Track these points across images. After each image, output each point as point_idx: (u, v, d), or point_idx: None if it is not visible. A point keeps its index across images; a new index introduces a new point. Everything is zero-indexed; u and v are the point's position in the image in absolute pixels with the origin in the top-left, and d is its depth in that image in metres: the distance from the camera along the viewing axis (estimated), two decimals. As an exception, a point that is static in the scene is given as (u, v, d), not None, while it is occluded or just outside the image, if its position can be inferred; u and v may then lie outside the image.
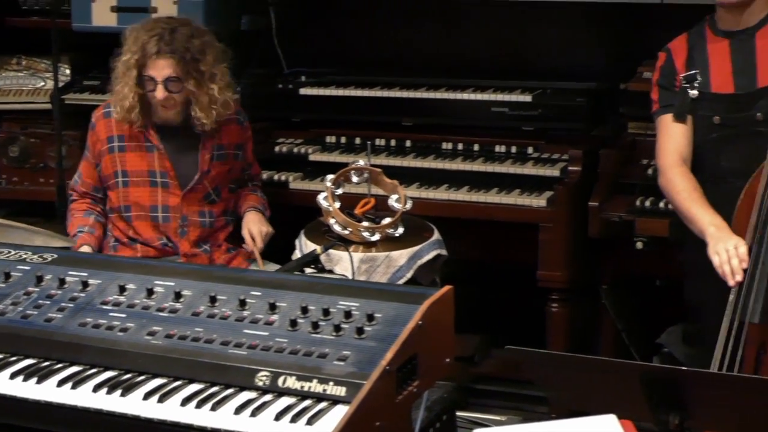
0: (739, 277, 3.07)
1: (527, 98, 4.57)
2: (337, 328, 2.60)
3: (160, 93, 3.97)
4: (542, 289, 4.39)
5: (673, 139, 3.48)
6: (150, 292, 2.84)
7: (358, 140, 4.81)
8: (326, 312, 2.65)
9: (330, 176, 3.97)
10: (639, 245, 4.10)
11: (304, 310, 2.67)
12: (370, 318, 2.60)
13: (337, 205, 3.87)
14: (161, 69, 3.97)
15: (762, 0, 3.41)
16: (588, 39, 4.87)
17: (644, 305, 4.49)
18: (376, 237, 3.84)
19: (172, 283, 2.85)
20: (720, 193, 3.37)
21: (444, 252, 4.00)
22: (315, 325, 2.62)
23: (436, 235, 4.00)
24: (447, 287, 2.66)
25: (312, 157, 4.82)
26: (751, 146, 3.29)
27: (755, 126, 3.34)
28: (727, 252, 3.09)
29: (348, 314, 2.63)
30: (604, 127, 4.61)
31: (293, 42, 5.29)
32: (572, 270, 4.37)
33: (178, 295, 2.81)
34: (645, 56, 4.18)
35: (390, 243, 3.87)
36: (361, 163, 4.05)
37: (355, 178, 4.03)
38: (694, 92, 3.45)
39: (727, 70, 3.43)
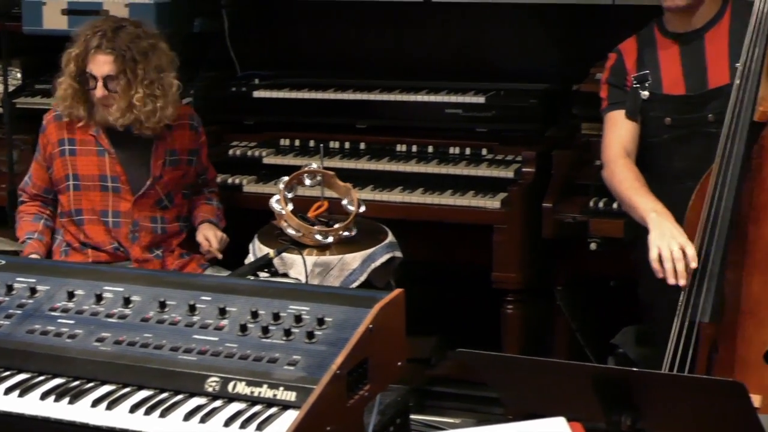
0: (683, 282, 3.06)
1: (480, 100, 4.57)
2: (288, 333, 2.58)
3: (99, 91, 3.94)
4: (497, 290, 4.39)
5: (618, 134, 3.49)
6: (99, 298, 2.81)
7: (312, 143, 4.80)
8: (276, 316, 2.63)
9: (283, 179, 3.96)
10: (593, 246, 4.10)
11: (255, 315, 2.65)
12: (321, 322, 2.58)
13: (290, 208, 3.85)
14: (101, 65, 3.93)
15: (709, 1, 3.42)
16: (541, 40, 4.87)
17: (599, 306, 4.50)
18: (329, 240, 3.82)
19: (121, 289, 2.82)
20: (672, 194, 3.37)
21: (398, 254, 3.99)
22: (265, 330, 2.60)
23: (390, 238, 3.99)
24: (398, 290, 2.65)
25: (266, 160, 4.80)
26: (703, 147, 3.29)
27: (706, 127, 3.35)
28: (672, 253, 3.08)
29: (298, 318, 2.61)
30: (558, 128, 4.62)
31: (247, 44, 5.26)
32: (526, 271, 4.37)
33: (127, 301, 2.78)
34: (597, 57, 4.18)
35: (344, 246, 3.86)
36: (314, 166, 4.04)
37: (308, 181, 4.01)
38: (645, 93, 3.46)
39: (677, 71, 3.44)
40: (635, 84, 3.48)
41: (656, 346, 3.33)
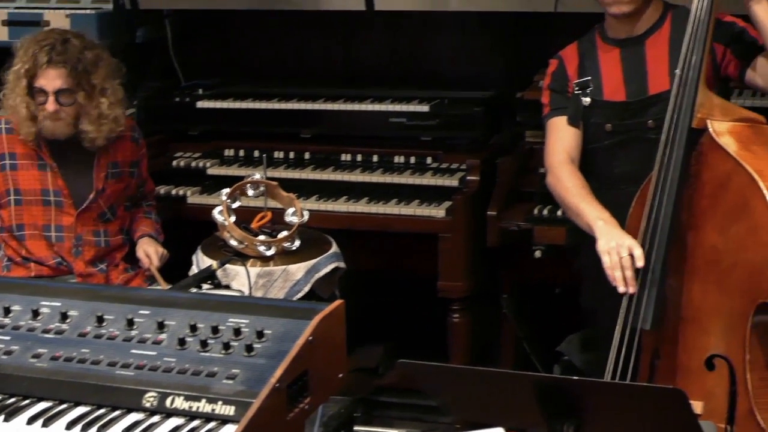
0: (632, 289, 3.06)
1: (425, 108, 4.57)
2: (227, 346, 2.55)
3: (51, 105, 3.88)
4: (443, 299, 4.38)
5: (562, 139, 3.47)
6: (35, 314, 2.76)
7: (256, 153, 4.77)
8: (215, 330, 2.60)
9: (225, 190, 3.92)
10: (538, 254, 4.11)
11: (193, 329, 2.62)
12: (260, 335, 2.55)
13: (233, 219, 3.82)
14: (52, 80, 3.88)
15: (651, 8, 3.42)
16: (485, 48, 4.88)
17: (545, 313, 4.50)
18: (272, 251, 3.80)
19: (59, 304, 2.77)
20: (613, 200, 3.35)
21: (342, 265, 3.98)
22: (204, 344, 2.57)
23: (334, 248, 3.98)
24: (338, 302, 2.63)
25: (210, 171, 4.77)
26: (643, 153, 3.28)
27: (647, 133, 3.34)
28: (621, 259, 3.06)
29: (237, 332, 2.58)
30: (502, 136, 4.63)
31: (190, 54, 5.24)
32: (472, 279, 4.38)
33: (64, 316, 2.73)
34: (541, 64, 4.16)
35: (287, 257, 3.84)
36: (257, 176, 4.01)
37: (251, 192, 3.98)
38: (587, 99, 3.45)
39: (618, 77, 3.43)
40: (577, 90, 3.47)
41: (600, 353, 3.33)
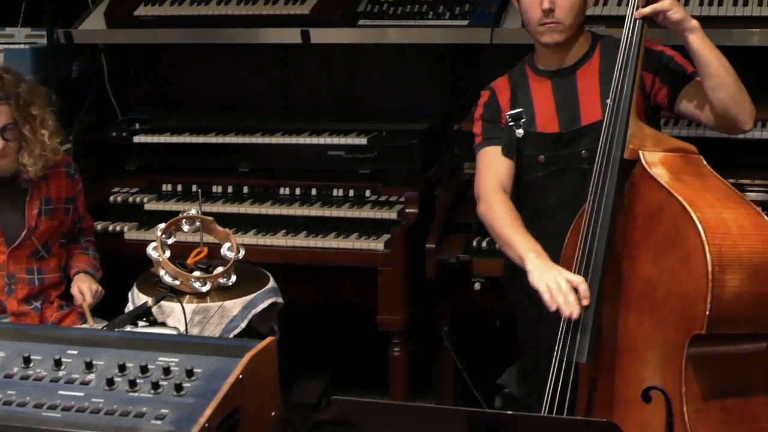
0: (576, 314, 3.02)
1: (363, 141, 4.55)
2: (156, 386, 2.50)
3: None
4: (384, 332, 4.36)
5: (494, 169, 3.45)
6: (-39, 355, 2.70)
7: (194, 187, 4.72)
8: (144, 369, 2.55)
9: (161, 226, 3.88)
10: (477, 286, 4.11)
11: (122, 368, 2.57)
12: (190, 374, 2.51)
13: (167, 255, 3.78)
14: None
15: (581, 39, 3.42)
16: (422, 79, 4.89)
17: (485, 345, 4.49)
18: (208, 287, 3.75)
19: (-16, 345, 2.72)
20: (549, 231, 3.35)
21: (280, 300, 3.94)
22: (132, 384, 2.52)
23: (272, 283, 3.94)
24: (269, 339, 2.60)
25: (148, 206, 4.72)
26: (577, 183, 3.28)
27: (580, 163, 3.33)
28: (561, 286, 3.02)
29: (167, 370, 2.54)
30: (440, 168, 4.62)
31: (127, 88, 5.22)
32: (412, 312, 4.37)
33: (-10, 357, 2.68)
34: (478, 96, 4.19)
35: (224, 292, 3.80)
36: (193, 211, 3.96)
37: (186, 227, 3.94)
38: (520, 131, 3.44)
39: (550, 109, 3.43)
40: (510, 122, 3.46)
41: (539, 385, 3.31)
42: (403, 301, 4.31)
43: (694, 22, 3.14)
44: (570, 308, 3.00)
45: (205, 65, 5.16)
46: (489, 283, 4.04)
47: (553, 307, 3.02)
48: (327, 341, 5.04)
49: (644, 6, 3.11)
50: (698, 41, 3.15)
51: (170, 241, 3.87)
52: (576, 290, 3.01)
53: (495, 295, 3.99)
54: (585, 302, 3.00)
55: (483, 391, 4.30)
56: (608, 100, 3.10)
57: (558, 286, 3.02)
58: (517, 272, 3.33)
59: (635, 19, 3.11)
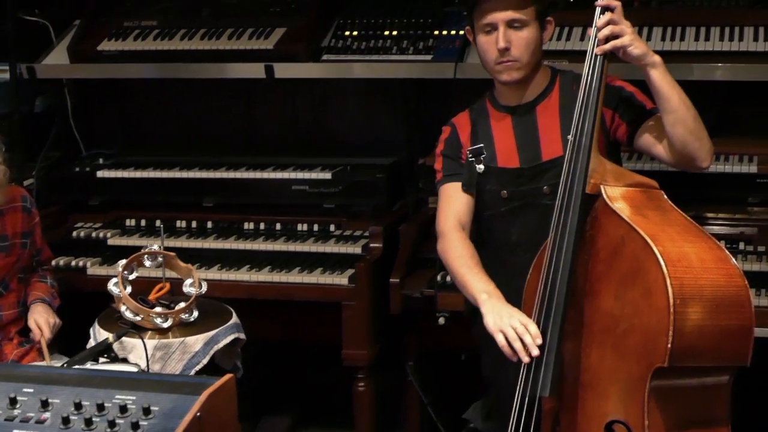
0: (536, 352, 3.02)
1: (327, 175, 4.54)
2: (112, 424, 2.46)
3: None
4: (348, 367, 4.32)
5: (453, 205, 3.45)
6: None
7: (158, 222, 4.70)
8: (101, 407, 2.51)
9: (122, 261, 3.83)
10: (441, 320, 4.08)
11: (78, 406, 2.52)
12: (147, 411, 2.47)
13: (128, 290, 3.73)
14: None
15: (540, 75, 3.42)
16: (387, 114, 4.90)
17: (451, 379, 4.47)
18: (169, 323, 3.71)
19: (-62, 384, 2.67)
20: (509, 266, 3.35)
21: (242, 336, 3.89)
22: (89, 422, 2.48)
23: (234, 319, 3.89)
24: (228, 376, 2.55)
25: (111, 241, 4.68)
26: (538, 219, 3.27)
27: (541, 199, 3.33)
28: (516, 329, 3.04)
29: (123, 409, 2.49)
30: (405, 202, 4.61)
31: (91, 123, 5.20)
32: (376, 347, 4.34)
33: (-56, 396, 2.63)
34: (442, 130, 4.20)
35: (185, 328, 3.75)
36: (155, 247, 3.92)
37: (148, 263, 3.89)
38: (480, 167, 3.43)
39: (511, 144, 3.42)
40: (470, 158, 3.45)
41: (503, 420, 3.28)
42: (367, 335, 4.28)
43: (656, 58, 3.14)
44: (524, 354, 3.02)
45: (170, 100, 5.14)
46: (453, 318, 4.02)
47: (513, 359, 3.04)
48: (292, 377, 5.00)
49: (605, 42, 3.10)
50: (659, 77, 3.14)
51: (132, 277, 3.82)
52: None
53: (460, 329, 3.96)
54: (538, 341, 3.01)
55: (448, 426, 4.28)
56: (569, 136, 3.09)
57: (513, 332, 3.03)
58: (478, 309, 3.31)
59: (596, 55, 3.11)
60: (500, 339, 3.06)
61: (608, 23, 3.09)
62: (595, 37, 3.11)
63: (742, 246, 4.08)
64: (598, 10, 3.13)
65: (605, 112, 3.30)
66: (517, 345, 3.02)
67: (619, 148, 3.47)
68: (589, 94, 3.08)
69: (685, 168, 3.31)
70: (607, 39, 3.09)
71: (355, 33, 4.53)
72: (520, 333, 3.02)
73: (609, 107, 3.32)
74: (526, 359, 3.02)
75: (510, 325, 3.05)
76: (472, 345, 3.71)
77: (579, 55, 3.24)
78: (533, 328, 3.03)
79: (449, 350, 4.34)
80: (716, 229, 4.14)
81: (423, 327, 4.28)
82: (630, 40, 3.09)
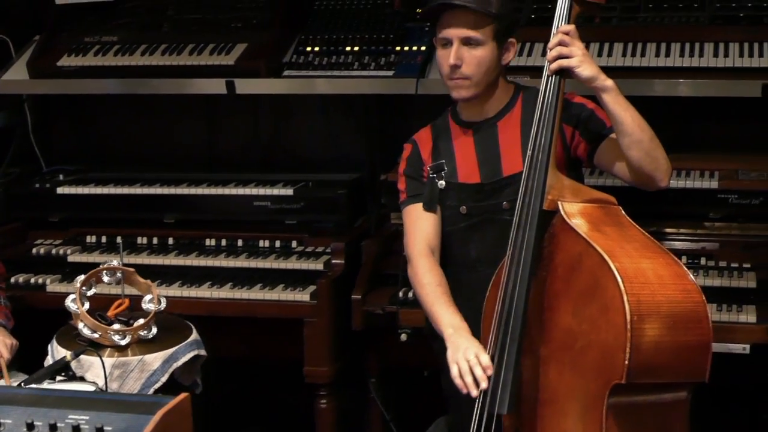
0: (484, 384, 3.03)
1: (289, 192, 4.54)
2: (65, 444, 2.45)
3: None
4: (310, 384, 4.31)
5: (420, 229, 3.45)
6: None
7: (119, 239, 4.67)
8: (53, 427, 2.49)
9: (80, 278, 3.81)
10: (403, 337, 4.07)
11: (30, 427, 2.51)
12: (100, 431, 2.45)
13: (86, 307, 3.71)
14: None
15: (501, 91, 3.43)
16: (349, 130, 4.91)
17: (413, 396, 4.46)
18: (127, 340, 3.68)
19: None
20: (471, 282, 3.36)
21: (203, 353, 3.87)
22: (41, 442, 2.47)
23: (194, 336, 3.87)
24: (183, 395, 2.54)
25: (71, 258, 4.65)
26: (498, 235, 3.26)
27: (502, 214, 3.33)
28: (468, 362, 3.05)
29: (77, 429, 2.48)
30: (367, 218, 4.62)
31: (51, 139, 5.19)
32: (338, 364, 4.32)
33: None
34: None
35: (144, 346, 3.73)
36: (114, 263, 3.90)
37: (106, 279, 3.87)
38: (441, 182, 3.44)
39: (472, 160, 3.42)
40: (432, 174, 3.46)
41: (464, 436, 3.28)
42: (329, 352, 4.27)
43: (607, 82, 3.11)
44: (473, 387, 3.04)
45: (131, 116, 5.14)
46: (416, 335, 4.01)
47: (464, 390, 3.06)
48: (254, 394, 4.98)
49: (553, 61, 3.10)
50: (611, 100, 3.12)
51: (90, 293, 3.80)
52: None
53: (422, 346, 3.96)
54: (489, 372, 3.03)
55: (411, 444, 4.28)
56: (528, 151, 3.10)
57: (466, 364, 3.06)
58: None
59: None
60: (454, 371, 3.09)
61: (558, 44, 3.09)
62: (547, 65, 3.12)
63: (703, 261, 4.10)
64: (554, 29, 3.14)
65: (566, 129, 3.32)
66: (468, 379, 3.04)
67: (580, 165, 3.48)
68: (546, 110, 3.09)
69: (644, 187, 3.31)
70: (556, 58, 3.09)
71: (316, 49, 4.53)
72: (471, 365, 3.04)
73: (569, 124, 3.33)
74: (474, 393, 3.04)
75: (464, 358, 3.07)
76: (435, 362, 3.71)
77: (540, 71, 3.23)
78: (485, 359, 3.05)
79: (412, 367, 4.34)
80: (678, 244, 4.16)
81: (385, 344, 4.27)
82: (578, 62, 3.08)
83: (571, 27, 3.11)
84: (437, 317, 3.27)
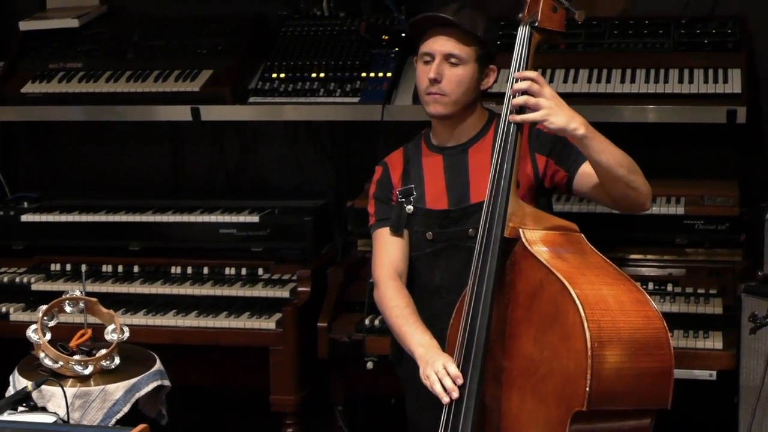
0: (455, 394, 3.06)
1: (255, 219, 4.56)
2: (22, 476, 2.46)
3: None
4: (277, 413, 4.33)
5: (388, 252, 3.48)
6: None
7: (84, 267, 4.66)
8: (12, 458, 2.51)
9: (43, 307, 3.82)
10: (370, 365, 4.11)
11: (-15, 459, 2.52)
12: (58, 462, 2.47)
13: (48, 337, 3.72)
14: None
15: (475, 117, 3.46)
16: (315, 156, 4.94)
17: (380, 424, 4.48)
18: (89, 370, 3.69)
19: None
20: (435, 308, 3.39)
21: (167, 383, 3.88)
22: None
23: (158, 366, 3.88)
24: (141, 426, 2.55)
25: (35, 287, 4.66)
26: (463, 261, 3.28)
27: (467, 241, 3.35)
28: (437, 373, 3.08)
29: (35, 459, 2.49)
30: (333, 245, 4.65)
31: (16, 167, 5.20)
32: (305, 393, 4.35)
33: None
34: (370, 173, 4.22)
35: (106, 376, 3.74)
36: (77, 292, 3.91)
37: (69, 309, 3.88)
38: (410, 207, 3.47)
39: (440, 185, 3.46)
40: (401, 198, 3.49)
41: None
42: (295, 381, 4.30)
43: (579, 131, 3.09)
44: (444, 396, 3.06)
45: (96, 143, 5.15)
46: (382, 362, 4.03)
47: (437, 394, 3.08)
48: (220, 423, 4.99)
49: (517, 113, 3.11)
50: (585, 148, 3.14)
51: (52, 323, 3.81)
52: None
53: (388, 374, 3.99)
54: (459, 381, 3.05)
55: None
56: (490, 179, 3.13)
57: (433, 376, 3.08)
58: (403, 351, 3.34)
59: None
60: (427, 384, 3.12)
61: (525, 91, 3.08)
62: (509, 102, 3.13)
63: (670, 287, 4.15)
64: (514, 58, 3.17)
65: (538, 159, 3.36)
66: (437, 388, 3.07)
67: (550, 192, 3.51)
68: (505, 138, 3.12)
69: (626, 212, 3.36)
70: (520, 110, 3.10)
71: (282, 75, 4.56)
72: (440, 376, 3.07)
73: (542, 154, 3.36)
74: (445, 400, 3.06)
75: (432, 371, 3.09)
76: (401, 389, 3.74)
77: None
78: (453, 369, 3.07)
79: (378, 395, 4.38)
80: (644, 270, 4.20)
81: (352, 371, 4.29)
82: (545, 114, 3.06)
83: (535, 73, 3.11)
84: (407, 338, 3.29)
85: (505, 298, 3.06)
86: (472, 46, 3.36)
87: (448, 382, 3.06)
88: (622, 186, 3.20)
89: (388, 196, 3.55)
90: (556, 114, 3.06)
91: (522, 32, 3.19)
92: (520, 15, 3.20)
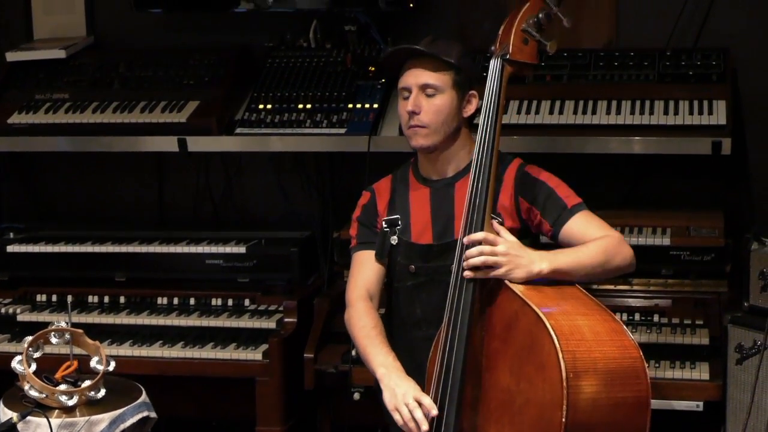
0: (425, 427, 3.15)
1: (241, 249, 4.68)
2: (6, 504, 2.59)
3: None
4: (263, 445, 4.44)
5: (363, 274, 3.59)
6: None
7: (70, 297, 4.76)
8: (-4, 487, 2.63)
9: (28, 338, 3.95)
10: (356, 396, 4.21)
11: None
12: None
13: (33, 368, 3.84)
14: None
15: (463, 152, 3.54)
16: (301, 187, 5.06)
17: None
18: (75, 401, 3.81)
19: None
20: (415, 341, 3.48)
21: (152, 414, 3.99)
22: (-17, 502, 2.60)
23: (143, 397, 3.99)
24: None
25: (20, 318, 4.78)
26: (443, 295, 3.33)
27: (448, 276, 3.36)
28: (408, 406, 3.18)
29: (18, 488, 2.62)
30: (319, 276, 4.78)
31: (1, 197, 5.29)
32: (291, 424, 4.46)
33: None
34: (356, 204, 4.34)
35: (91, 407, 3.85)
36: (62, 324, 4.05)
37: (54, 340, 4.01)
38: (394, 238, 3.56)
39: (426, 219, 3.54)
40: (385, 228, 3.59)
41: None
42: (281, 412, 4.42)
43: (544, 270, 3.19)
44: (417, 428, 3.17)
45: (82, 173, 5.28)
46: (368, 393, 4.13)
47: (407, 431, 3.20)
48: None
49: (473, 270, 3.20)
50: (561, 276, 3.24)
51: (37, 355, 3.93)
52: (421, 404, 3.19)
53: (375, 404, 4.08)
54: (433, 412, 3.17)
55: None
56: (464, 212, 3.26)
57: (407, 410, 3.19)
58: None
59: (490, 130, 3.30)
60: (397, 418, 3.22)
61: (480, 254, 3.18)
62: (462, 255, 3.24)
63: (656, 318, 4.26)
64: (486, 89, 3.32)
65: (521, 202, 3.45)
66: (411, 425, 3.18)
67: (536, 236, 3.57)
68: (480, 166, 3.27)
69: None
70: (478, 268, 3.19)
71: (269, 106, 4.67)
72: (411, 409, 3.17)
73: (526, 200, 3.45)
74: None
75: (404, 403, 3.19)
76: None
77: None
78: (426, 400, 3.18)
79: (364, 426, 4.48)
80: (630, 301, 4.31)
81: (338, 402, 4.42)
82: (506, 271, 3.17)
83: (482, 235, 3.20)
84: (370, 358, 3.39)
85: (481, 330, 3.18)
86: (447, 73, 3.47)
87: (418, 414, 3.16)
88: (605, 275, 3.36)
89: (372, 221, 3.65)
90: (516, 268, 3.18)
91: (494, 64, 3.34)
92: (493, 48, 3.35)
